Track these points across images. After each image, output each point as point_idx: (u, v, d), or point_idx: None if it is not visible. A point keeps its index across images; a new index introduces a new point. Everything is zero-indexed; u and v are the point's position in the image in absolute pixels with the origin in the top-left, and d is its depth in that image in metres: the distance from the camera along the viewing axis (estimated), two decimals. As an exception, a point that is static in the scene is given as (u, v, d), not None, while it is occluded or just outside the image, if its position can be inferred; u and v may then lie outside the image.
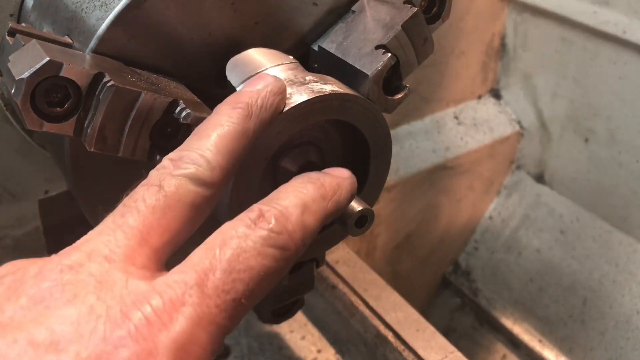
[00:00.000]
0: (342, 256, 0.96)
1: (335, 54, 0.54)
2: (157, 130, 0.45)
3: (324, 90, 0.48)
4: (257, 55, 0.52)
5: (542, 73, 1.19)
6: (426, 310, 1.35)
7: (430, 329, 0.85)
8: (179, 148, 0.39)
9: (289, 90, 0.48)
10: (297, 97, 0.47)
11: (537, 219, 1.27)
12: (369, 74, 0.50)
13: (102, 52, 0.47)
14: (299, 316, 0.94)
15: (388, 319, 0.86)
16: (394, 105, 0.54)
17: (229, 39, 0.52)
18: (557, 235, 1.24)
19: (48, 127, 0.43)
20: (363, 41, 0.53)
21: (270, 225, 0.37)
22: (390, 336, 0.85)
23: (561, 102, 1.18)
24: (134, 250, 0.35)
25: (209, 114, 0.45)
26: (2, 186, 0.70)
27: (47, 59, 0.41)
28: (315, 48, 0.56)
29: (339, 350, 0.91)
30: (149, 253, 0.36)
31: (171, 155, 0.39)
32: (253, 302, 0.36)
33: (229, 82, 0.51)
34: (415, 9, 0.52)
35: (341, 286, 0.92)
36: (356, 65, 0.51)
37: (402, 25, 0.52)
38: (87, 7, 0.49)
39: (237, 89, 0.50)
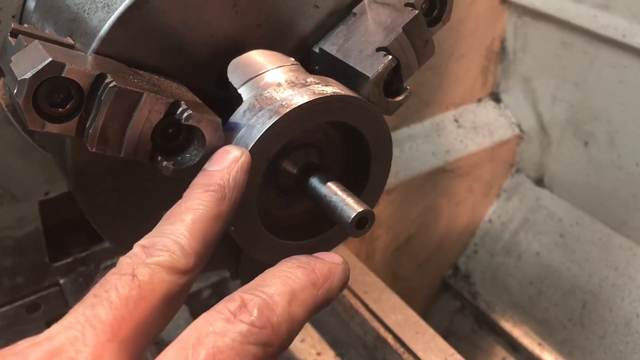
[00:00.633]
0: (341, 258, 0.96)
1: (336, 56, 0.54)
2: (159, 131, 0.45)
3: (325, 92, 0.48)
4: (258, 57, 0.52)
5: (542, 76, 1.19)
6: (426, 313, 1.35)
7: (429, 331, 0.85)
8: (150, 233, 0.37)
9: (290, 91, 0.48)
10: (298, 98, 0.47)
11: (537, 222, 1.27)
12: (369, 76, 0.51)
13: (104, 53, 0.47)
14: (299, 318, 0.94)
15: (388, 321, 0.86)
16: (394, 107, 0.54)
17: (231, 40, 0.52)
18: (556, 238, 1.24)
19: (50, 127, 0.43)
20: (364, 43, 0.53)
21: (252, 318, 0.33)
22: (390, 339, 0.85)
23: (561, 105, 1.18)
24: (103, 348, 0.32)
25: (211, 115, 0.45)
26: (3, 187, 0.70)
27: (50, 59, 0.41)
28: (317, 50, 0.56)
29: (339, 352, 0.91)
30: (119, 348, 0.32)
31: (143, 241, 0.36)
32: None
33: (230, 83, 0.51)
34: (416, 11, 0.52)
35: (341, 288, 0.92)
36: (357, 68, 0.52)
37: (403, 28, 0.52)
38: (89, 8, 0.50)
39: (239, 90, 0.50)
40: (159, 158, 0.45)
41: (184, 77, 0.51)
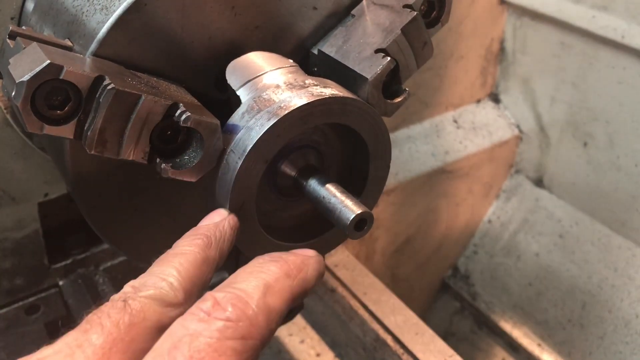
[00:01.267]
0: (341, 260, 0.96)
1: (335, 58, 0.54)
2: (157, 133, 0.45)
3: (323, 93, 0.48)
4: (257, 59, 0.52)
5: (541, 77, 1.20)
6: (425, 314, 1.35)
7: (429, 332, 0.85)
8: (140, 276, 0.38)
9: (288, 93, 0.48)
10: (297, 100, 0.47)
11: (536, 223, 1.27)
12: (368, 77, 0.51)
13: (102, 55, 0.47)
14: (298, 320, 0.94)
15: (387, 322, 0.86)
16: (393, 108, 0.54)
17: (229, 42, 0.52)
18: (556, 239, 1.24)
19: (48, 129, 0.43)
20: (362, 45, 0.53)
21: (227, 314, 0.33)
22: (389, 340, 0.85)
23: (560, 106, 1.18)
24: None
25: (209, 117, 0.45)
26: (2, 189, 0.70)
27: (48, 62, 0.41)
28: (315, 52, 0.56)
29: (338, 353, 0.91)
30: None
31: (133, 282, 0.37)
32: None
33: (229, 85, 0.51)
34: (415, 13, 0.52)
35: (340, 290, 0.92)
36: (356, 69, 0.52)
37: (401, 29, 0.52)
38: (87, 11, 0.50)
39: (237, 92, 0.51)
40: (158, 160, 0.45)
41: (182, 79, 0.51)
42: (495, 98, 1.30)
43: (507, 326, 1.26)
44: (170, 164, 0.45)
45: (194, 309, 0.34)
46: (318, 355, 0.90)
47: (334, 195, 0.48)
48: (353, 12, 0.56)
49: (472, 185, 1.28)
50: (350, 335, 0.90)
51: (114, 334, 0.33)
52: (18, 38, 0.46)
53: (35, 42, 0.44)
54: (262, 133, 0.45)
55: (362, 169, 0.54)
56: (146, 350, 0.34)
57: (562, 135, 1.20)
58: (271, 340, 0.92)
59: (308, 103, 0.47)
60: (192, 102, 0.47)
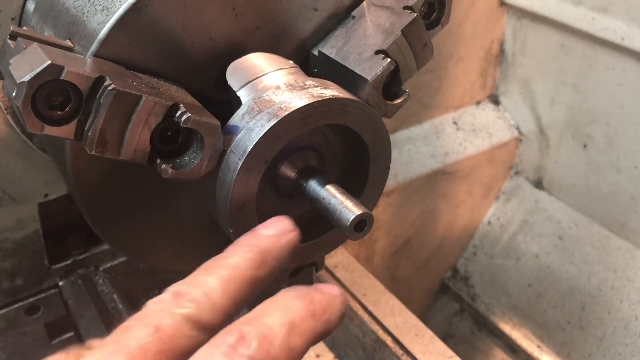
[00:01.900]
0: (341, 261, 0.96)
1: (335, 59, 0.54)
2: (158, 134, 0.45)
3: (324, 94, 0.48)
4: (257, 60, 0.53)
5: (540, 79, 1.20)
6: (425, 315, 1.35)
7: (429, 333, 0.85)
8: (185, 280, 0.37)
9: (289, 94, 0.48)
10: (297, 101, 0.47)
11: (536, 224, 1.27)
12: (368, 78, 0.51)
13: (103, 56, 0.47)
14: (298, 321, 0.94)
15: (387, 323, 0.86)
16: (393, 110, 0.54)
17: (230, 43, 0.53)
18: (555, 240, 1.24)
19: (49, 130, 0.43)
20: (363, 46, 0.53)
21: (251, 352, 0.33)
22: (389, 341, 0.85)
23: (560, 108, 1.18)
24: None
25: (209, 117, 0.46)
26: (2, 189, 0.70)
27: (49, 62, 0.41)
28: (316, 53, 0.56)
29: (338, 355, 0.91)
30: None
31: (175, 287, 0.36)
32: None
33: (229, 86, 0.51)
34: (415, 14, 0.53)
35: (340, 291, 0.92)
36: (356, 70, 0.52)
37: (401, 31, 0.52)
38: (88, 11, 0.50)
39: (238, 93, 0.51)
40: (158, 161, 0.45)
41: (183, 80, 0.52)
42: (495, 100, 1.30)
43: (507, 327, 1.26)
44: (171, 165, 0.46)
45: (219, 340, 0.34)
46: (318, 356, 0.90)
47: (333, 196, 0.48)
48: (353, 13, 0.56)
49: (472, 187, 1.28)
50: (349, 336, 0.90)
51: None
52: (19, 38, 0.46)
53: (36, 43, 0.45)
54: (262, 134, 0.46)
55: (362, 170, 0.54)
56: None
57: (562, 136, 1.20)
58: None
59: (308, 104, 0.47)
60: (192, 103, 0.48)
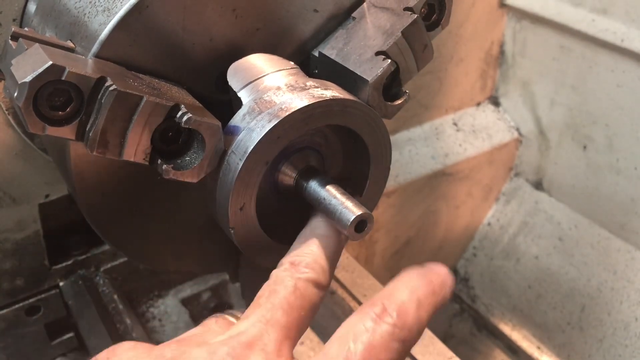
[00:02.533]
0: (341, 262, 0.96)
1: (336, 60, 0.54)
2: (159, 134, 0.46)
3: (324, 95, 0.48)
4: (258, 61, 0.53)
5: (540, 80, 1.20)
6: (425, 317, 1.35)
7: (428, 334, 0.85)
8: (294, 252, 0.46)
9: (289, 95, 0.48)
10: (297, 102, 0.47)
11: (536, 225, 1.27)
12: (369, 79, 0.51)
13: (104, 57, 0.48)
14: (298, 321, 0.94)
15: (387, 324, 0.86)
16: (393, 111, 0.54)
17: (231, 44, 0.53)
18: (555, 242, 1.24)
19: (50, 130, 0.43)
20: (363, 47, 0.53)
21: (394, 320, 0.41)
22: (388, 342, 0.85)
23: (559, 109, 1.18)
24: (282, 344, 0.41)
25: (210, 118, 0.46)
26: (3, 190, 0.70)
27: (50, 62, 0.41)
28: (316, 54, 0.56)
29: (338, 355, 0.91)
30: (290, 345, 0.41)
31: (290, 258, 0.46)
32: None
33: (230, 87, 0.52)
34: (415, 15, 0.53)
35: (340, 292, 0.92)
36: (356, 71, 0.52)
37: (402, 32, 0.52)
38: (89, 12, 0.50)
39: (238, 94, 0.51)
40: (159, 161, 0.46)
41: (184, 81, 0.52)
42: (495, 101, 1.30)
43: (507, 329, 1.26)
44: (172, 165, 0.46)
45: (367, 309, 0.42)
46: (318, 357, 0.90)
47: (334, 196, 0.49)
48: (354, 14, 0.56)
49: (472, 188, 1.28)
50: (349, 337, 0.90)
51: (293, 316, 0.42)
52: (20, 39, 0.46)
53: (37, 44, 0.45)
54: (263, 134, 0.46)
55: (363, 170, 0.54)
56: (307, 325, 0.44)
57: (562, 138, 1.20)
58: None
59: (309, 105, 0.47)
60: (193, 104, 0.48)
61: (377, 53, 0.52)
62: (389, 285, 0.45)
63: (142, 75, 0.49)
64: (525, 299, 1.26)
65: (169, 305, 0.92)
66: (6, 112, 0.66)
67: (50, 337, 0.82)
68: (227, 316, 0.47)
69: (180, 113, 0.45)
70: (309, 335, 0.92)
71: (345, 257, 0.97)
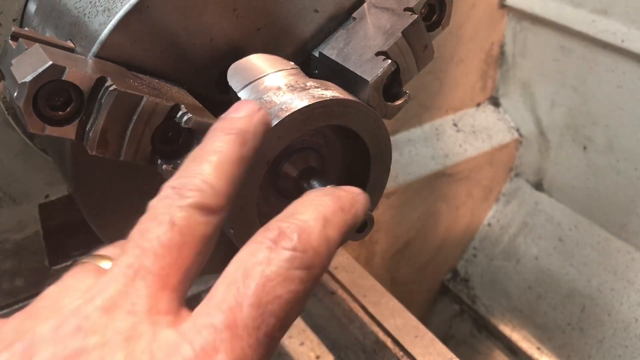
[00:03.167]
0: (341, 262, 0.97)
1: (336, 60, 0.54)
2: (159, 135, 0.46)
3: (324, 95, 0.48)
4: (258, 61, 0.53)
5: (541, 81, 1.20)
6: (425, 317, 1.35)
7: (429, 335, 0.85)
8: (178, 174, 0.37)
9: (290, 95, 0.48)
10: (298, 102, 0.47)
11: (536, 226, 1.27)
12: (369, 80, 0.51)
13: (104, 57, 0.48)
14: (298, 322, 0.94)
15: (387, 325, 0.86)
16: (393, 111, 0.54)
17: (231, 44, 0.53)
18: (555, 242, 1.24)
19: (50, 130, 0.43)
20: (363, 48, 0.53)
21: (293, 244, 0.34)
22: (389, 342, 0.85)
23: (560, 110, 1.18)
24: (156, 298, 0.32)
25: (210, 118, 0.46)
26: (3, 190, 0.70)
27: (50, 62, 0.41)
28: (316, 54, 0.56)
29: (338, 356, 0.91)
30: (170, 296, 0.33)
31: (172, 182, 0.36)
32: (285, 331, 0.33)
33: (230, 87, 0.51)
34: (416, 16, 0.53)
35: (340, 292, 0.93)
36: (357, 72, 0.52)
37: (402, 32, 0.52)
38: (89, 12, 0.50)
39: (238, 94, 0.51)
40: (159, 161, 0.46)
41: (184, 81, 0.52)
42: (495, 102, 1.30)
43: (507, 329, 1.26)
44: (172, 166, 0.46)
45: (259, 237, 0.34)
46: (318, 357, 0.90)
47: (334, 197, 0.48)
48: (354, 14, 0.56)
49: (472, 189, 1.28)
50: (350, 337, 0.90)
51: (168, 259, 0.33)
52: (20, 39, 0.46)
53: (37, 44, 0.45)
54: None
55: (363, 171, 0.54)
56: (197, 264, 0.35)
57: (562, 138, 1.20)
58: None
59: (309, 105, 0.47)
60: (193, 104, 0.48)
61: (378, 53, 0.52)
62: (288, 207, 0.37)
63: (142, 76, 0.49)
64: (526, 299, 1.26)
65: (168, 305, 0.92)
66: (6, 112, 0.66)
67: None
68: (98, 260, 0.38)
69: (180, 113, 0.45)
70: (309, 335, 0.92)
71: (346, 258, 0.97)
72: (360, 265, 0.97)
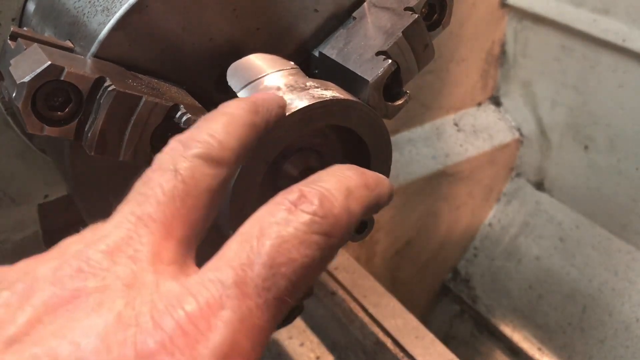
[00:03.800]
0: (341, 262, 0.96)
1: (336, 60, 0.54)
2: (158, 135, 0.45)
3: (324, 95, 0.48)
4: (258, 61, 0.52)
5: (542, 80, 1.20)
6: (425, 318, 1.35)
7: (429, 336, 0.85)
8: (188, 131, 0.36)
9: (289, 95, 0.48)
10: (297, 102, 0.47)
11: (537, 226, 1.27)
12: (369, 80, 0.51)
13: (103, 57, 0.47)
14: (298, 322, 0.94)
15: (387, 325, 0.86)
16: (394, 111, 0.54)
17: (230, 44, 0.52)
18: (556, 242, 1.24)
19: (48, 131, 0.43)
20: (364, 47, 0.53)
21: (314, 208, 0.32)
22: (389, 343, 0.85)
23: (561, 109, 1.18)
24: (160, 246, 0.31)
25: (210, 118, 0.45)
26: (2, 190, 0.70)
27: (49, 62, 0.41)
28: (316, 54, 0.56)
29: (338, 357, 0.91)
30: (175, 247, 0.32)
31: (179, 137, 0.35)
32: (296, 298, 0.31)
33: (230, 87, 0.51)
34: (416, 15, 0.52)
35: (340, 292, 0.92)
36: (357, 71, 0.51)
37: (402, 32, 0.52)
38: (88, 12, 0.50)
39: (238, 94, 0.51)
40: (158, 162, 0.45)
41: (183, 81, 0.51)
42: (496, 101, 1.30)
43: (508, 330, 1.26)
44: (171, 166, 0.45)
45: (280, 198, 0.33)
46: (318, 358, 0.90)
47: (334, 197, 0.48)
48: (354, 14, 0.56)
49: (473, 189, 1.28)
50: (350, 338, 0.89)
51: (171, 208, 0.32)
52: (19, 39, 0.46)
53: (36, 44, 0.44)
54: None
55: (363, 171, 0.54)
56: (203, 217, 0.34)
57: (563, 138, 1.20)
58: (270, 343, 0.92)
59: (309, 105, 0.47)
60: (193, 104, 0.48)
61: (378, 53, 0.51)
62: (311, 176, 0.36)
63: (142, 76, 0.48)
64: (526, 299, 1.26)
65: (168, 306, 0.92)
66: (5, 112, 0.66)
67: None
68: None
69: (179, 113, 0.44)
70: (309, 336, 0.92)
71: (346, 258, 0.97)
72: (360, 265, 0.97)
